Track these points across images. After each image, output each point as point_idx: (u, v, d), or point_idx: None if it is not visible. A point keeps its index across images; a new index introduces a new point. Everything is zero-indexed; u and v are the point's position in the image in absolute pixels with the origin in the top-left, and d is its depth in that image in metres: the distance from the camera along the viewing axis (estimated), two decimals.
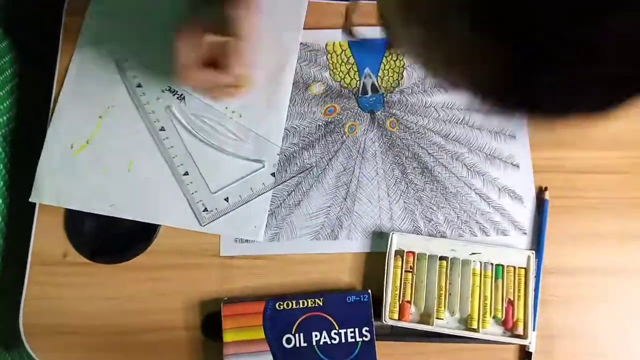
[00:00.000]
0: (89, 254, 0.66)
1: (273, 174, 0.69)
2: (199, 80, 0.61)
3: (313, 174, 0.70)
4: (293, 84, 0.73)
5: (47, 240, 0.66)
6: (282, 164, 0.70)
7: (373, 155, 0.71)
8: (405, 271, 0.64)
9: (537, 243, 0.67)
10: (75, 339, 0.64)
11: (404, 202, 0.69)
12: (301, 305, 0.63)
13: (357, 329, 0.62)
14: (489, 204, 0.69)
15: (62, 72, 0.71)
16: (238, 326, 0.62)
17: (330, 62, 0.74)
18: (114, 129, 0.69)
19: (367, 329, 0.62)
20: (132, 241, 0.66)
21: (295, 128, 0.72)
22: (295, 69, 0.73)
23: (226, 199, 0.68)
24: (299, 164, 0.70)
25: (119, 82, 0.71)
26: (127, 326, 0.64)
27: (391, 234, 0.65)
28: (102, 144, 0.69)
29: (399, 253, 0.65)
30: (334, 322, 0.62)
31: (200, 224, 0.67)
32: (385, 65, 0.74)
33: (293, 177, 0.69)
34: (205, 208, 0.67)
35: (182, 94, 0.70)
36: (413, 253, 0.65)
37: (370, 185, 0.70)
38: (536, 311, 0.64)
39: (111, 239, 0.67)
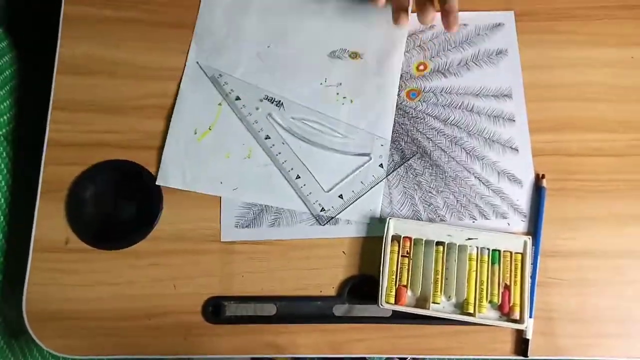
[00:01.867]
0: (90, 240, 0.67)
1: (381, 165, 0.70)
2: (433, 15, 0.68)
3: None
4: None
5: (48, 227, 0.67)
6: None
7: None
8: (402, 256, 0.65)
9: (534, 229, 0.67)
10: (78, 325, 0.65)
11: (404, 186, 0.69)
12: None
13: None
14: (488, 187, 0.69)
15: (62, 64, 0.72)
16: None
17: None
18: (233, 117, 0.71)
19: None
20: (133, 227, 0.67)
21: None
22: None
23: (340, 196, 0.68)
24: None
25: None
26: (129, 311, 0.65)
27: (388, 219, 0.65)
28: (223, 130, 0.71)
29: (396, 238, 0.65)
30: None
31: (320, 224, 0.68)
32: None
33: (403, 164, 0.70)
34: (323, 208, 0.68)
35: (280, 100, 0.72)
36: (410, 238, 0.65)
37: None
38: (533, 297, 0.64)
39: (112, 226, 0.68)
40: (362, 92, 0.72)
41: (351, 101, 0.72)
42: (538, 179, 0.69)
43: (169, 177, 0.69)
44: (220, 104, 0.72)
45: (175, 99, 0.72)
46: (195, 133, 0.70)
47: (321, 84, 0.73)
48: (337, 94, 0.72)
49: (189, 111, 0.71)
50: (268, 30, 0.75)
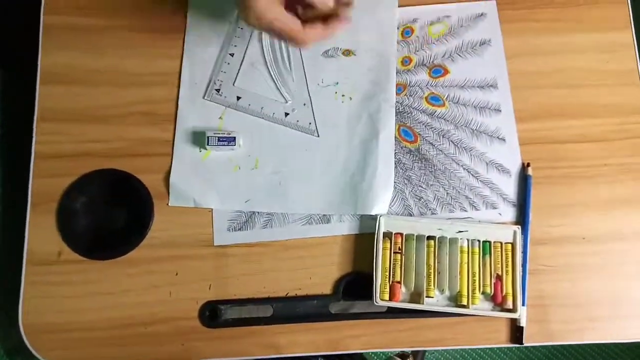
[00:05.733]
0: (83, 251, 0.67)
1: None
2: (317, 38, 0.60)
3: None
4: None
5: (41, 240, 0.67)
6: None
7: None
8: (394, 252, 0.65)
9: (522, 218, 0.68)
10: (76, 336, 0.65)
11: (394, 181, 0.69)
12: None
13: None
14: (477, 178, 0.69)
15: (45, 74, 0.71)
16: None
17: None
18: (236, 127, 0.71)
19: None
20: (126, 236, 0.67)
21: None
22: None
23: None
24: None
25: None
26: (126, 320, 0.66)
27: (379, 216, 0.66)
28: None
29: (387, 235, 0.66)
30: None
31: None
32: None
33: None
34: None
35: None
36: (401, 234, 0.66)
37: None
38: (525, 285, 0.65)
39: (105, 235, 0.68)
40: (360, 88, 0.72)
41: (350, 98, 0.71)
42: (524, 167, 0.69)
43: (179, 198, 0.69)
44: (221, 118, 0.71)
45: (164, 104, 0.71)
46: (200, 151, 0.70)
47: (318, 84, 0.72)
48: (336, 92, 0.72)
49: (191, 131, 0.71)
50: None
